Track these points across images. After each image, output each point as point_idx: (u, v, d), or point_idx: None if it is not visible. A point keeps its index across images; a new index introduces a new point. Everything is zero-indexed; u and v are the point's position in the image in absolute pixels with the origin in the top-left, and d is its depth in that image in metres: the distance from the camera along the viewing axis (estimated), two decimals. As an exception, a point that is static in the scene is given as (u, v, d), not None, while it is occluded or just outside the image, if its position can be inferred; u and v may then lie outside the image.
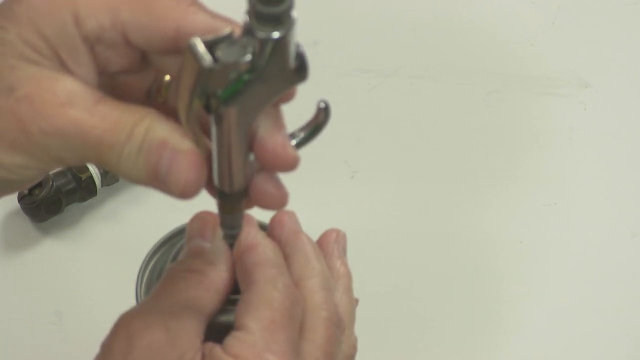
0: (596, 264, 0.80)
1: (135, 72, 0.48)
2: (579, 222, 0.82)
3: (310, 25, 0.90)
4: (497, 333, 0.76)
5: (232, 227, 0.51)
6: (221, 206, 0.49)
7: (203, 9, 0.46)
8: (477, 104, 0.89)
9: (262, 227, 0.57)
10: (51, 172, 0.77)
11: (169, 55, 0.47)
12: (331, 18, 0.93)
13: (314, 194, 0.81)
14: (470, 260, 0.79)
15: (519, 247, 0.80)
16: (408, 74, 0.90)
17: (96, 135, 0.45)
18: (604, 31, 0.95)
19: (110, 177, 0.79)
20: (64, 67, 0.46)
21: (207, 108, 0.44)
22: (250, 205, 0.49)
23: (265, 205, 0.49)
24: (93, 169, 0.78)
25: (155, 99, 0.50)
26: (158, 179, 0.45)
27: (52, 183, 0.77)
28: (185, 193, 0.45)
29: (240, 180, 0.47)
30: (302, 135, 0.48)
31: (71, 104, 0.45)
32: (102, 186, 0.79)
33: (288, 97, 0.47)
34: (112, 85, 0.48)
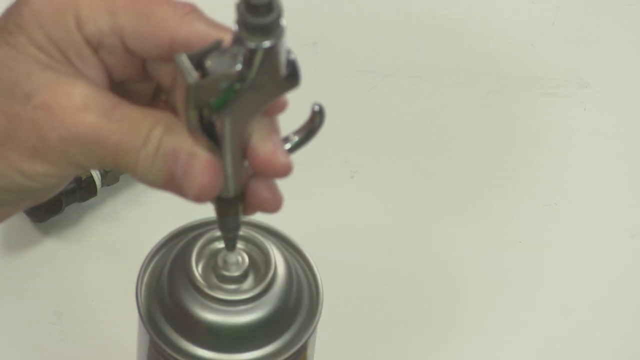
0: (596, 264, 0.80)
1: (139, 81, 0.49)
2: (579, 222, 0.82)
3: (310, 26, 0.90)
4: (497, 333, 0.76)
5: (231, 230, 0.51)
6: (219, 210, 0.49)
7: (200, 17, 0.46)
8: (476, 104, 0.89)
9: (262, 227, 0.58)
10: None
11: (165, 64, 0.47)
12: (331, 18, 0.93)
13: (314, 194, 0.81)
14: (471, 260, 0.79)
15: (519, 247, 0.80)
16: (408, 74, 0.90)
17: (114, 140, 0.45)
18: (604, 31, 0.95)
19: (110, 177, 0.79)
20: (76, 70, 0.46)
21: (200, 117, 0.44)
22: (247, 211, 0.49)
23: (259, 209, 0.49)
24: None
25: (159, 98, 0.50)
26: (174, 183, 0.46)
27: (52, 183, 0.77)
28: (200, 197, 0.46)
29: (237, 185, 0.47)
30: (296, 139, 0.48)
31: (88, 109, 0.45)
32: (102, 186, 0.79)
33: (280, 108, 0.47)
34: (118, 93, 0.48)
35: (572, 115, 0.89)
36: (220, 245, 0.55)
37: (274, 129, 0.47)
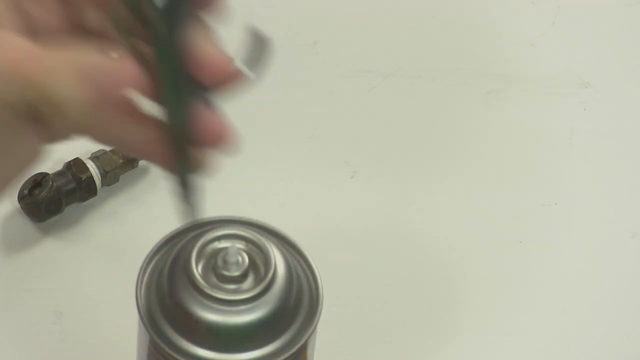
0: (596, 264, 0.80)
1: (70, 34, 0.48)
2: (579, 222, 0.82)
3: (310, 25, 0.90)
4: (497, 333, 0.76)
5: (184, 174, 0.49)
6: (170, 150, 0.47)
7: None
8: (476, 104, 0.89)
9: (262, 227, 0.58)
10: (51, 173, 0.77)
11: (99, 10, 0.46)
12: (331, 18, 0.93)
13: (314, 194, 0.81)
14: (471, 260, 0.79)
15: (519, 247, 0.80)
16: (408, 74, 0.90)
17: (31, 70, 0.44)
18: (604, 31, 0.95)
19: (110, 177, 0.79)
20: None
21: (141, 20, 0.43)
22: (197, 144, 0.47)
23: (207, 139, 0.47)
24: (93, 169, 0.78)
25: None
26: (104, 100, 0.44)
27: (52, 183, 0.77)
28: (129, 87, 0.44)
29: (189, 108, 0.46)
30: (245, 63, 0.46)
31: (4, 45, 0.44)
32: (102, 186, 0.79)
33: (216, 7, 0.45)
34: None
35: (572, 115, 0.89)
36: (220, 245, 0.55)
37: (212, 34, 0.45)
